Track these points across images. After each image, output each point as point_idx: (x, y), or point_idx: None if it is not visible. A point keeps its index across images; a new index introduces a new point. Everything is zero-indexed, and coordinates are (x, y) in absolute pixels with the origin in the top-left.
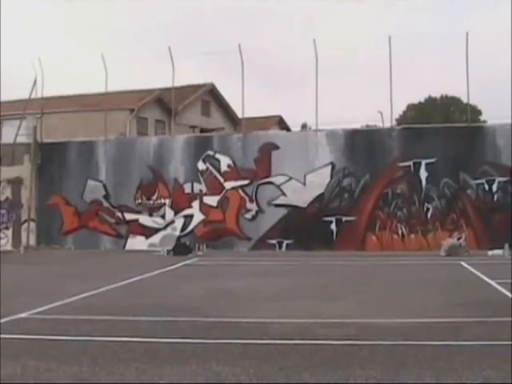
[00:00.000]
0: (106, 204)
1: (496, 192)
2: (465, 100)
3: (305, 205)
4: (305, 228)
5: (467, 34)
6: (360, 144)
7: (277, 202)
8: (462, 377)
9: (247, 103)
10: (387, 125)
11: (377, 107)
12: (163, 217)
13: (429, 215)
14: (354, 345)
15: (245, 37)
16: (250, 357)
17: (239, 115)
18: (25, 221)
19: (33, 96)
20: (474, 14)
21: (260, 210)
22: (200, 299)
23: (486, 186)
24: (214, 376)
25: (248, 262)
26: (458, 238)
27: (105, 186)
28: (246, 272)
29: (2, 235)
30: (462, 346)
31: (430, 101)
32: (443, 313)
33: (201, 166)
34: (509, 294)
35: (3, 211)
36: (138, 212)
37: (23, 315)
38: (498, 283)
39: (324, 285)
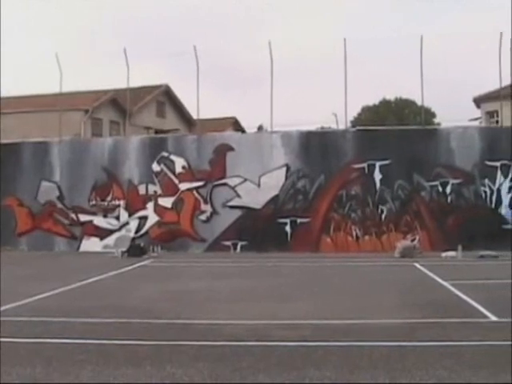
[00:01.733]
0: (60, 205)
1: (450, 194)
2: (419, 102)
3: (259, 206)
4: (259, 229)
5: (422, 37)
6: (315, 146)
7: (231, 203)
8: (416, 377)
9: (202, 104)
10: (342, 127)
11: (332, 109)
12: (118, 218)
13: (383, 217)
14: (309, 346)
15: (201, 38)
16: (205, 358)
17: (194, 116)
18: None
19: None
20: (429, 17)
21: (215, 212)
22: (155, 301)
23: (440, 188)
24: (169, 377)
25: (202, 263)
26: (412, 240)
27: (59, 187)
28: (200, 273)
29: None
30: (416, 347)
31: (385, 103)
32: (397, 314)
33: (155, 167)
34: (462, 295)
35: None
36: (93, 213)
37: None
38: (452, 284)
39: (279, 286)
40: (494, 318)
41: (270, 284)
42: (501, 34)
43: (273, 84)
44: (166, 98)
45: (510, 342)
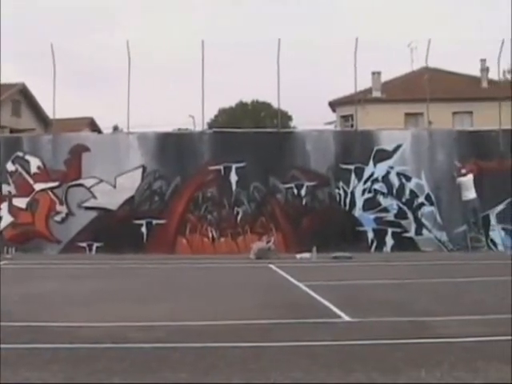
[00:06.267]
0: None
1: (304, 196)
2: (275, 105)
3: (115, 207)
4: (115, 231)
5: (279, 40)
6: (171, 147)
7: (87, 204)
8: (271, 377)
9: (58, 104)
10: (199, 129)
11: (189, 111)
12: None
13: (239, 219)
14: (165, 348)
15: (58, 37)
16: (60, 361)
17: (50, 116)
18: None
19: None
20: (287, 21)
21: (70, 213)
22: (8, 303)
23: (295, 191)
24: (23, 380)
25: (57, 265)
26: (268, 242)
27: None
28: (55, 275)
29: None
30: (271, 348)
31: (241, 106)
32: (252, 315)
33: (10, 167)
34: (316, 296)
35: None
36: None
37: None
38: (306, 285)
39: (134, 288)
40: (347, 319)
41: (126, 286)
42: (356, 39)
43: (130, 84)
44: (21, 96)
45: (362, 342)
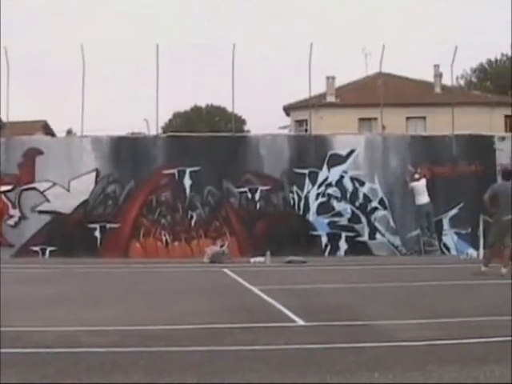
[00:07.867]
0: None
1: (259, 200)
2: (230, 110)
3: (69, 211)
4: (69, 235)
5: (234, 45)
6: (125, 151)
7: (40, 208)
8: (225, 379)
9: (12, 107)
10: (153, 132)
11: (143, 115)
12: None
13: (193, 223)
14: (119, 352)
15: (11, 39)
16: (14, 365)
17: (3, 119)
18: None
19: None
20: (241, 26)
21: (23, 217)
22: None
23: (249, 195)
24: None
25: (10, 269)
26: (221, 246)
27: None
28: (8, 279)
29: None
30: (225, 351)
31: (196, 110)
32: (206, 319)
33: None
34: (270, 300)
35: None
36: None
37: None
38: (260, 290)
39: (88, 292)
40: (301, 322)
41: (79, 290)
42: (311, 44)
43: (84, 88)
44: None
45: (316, 346)
